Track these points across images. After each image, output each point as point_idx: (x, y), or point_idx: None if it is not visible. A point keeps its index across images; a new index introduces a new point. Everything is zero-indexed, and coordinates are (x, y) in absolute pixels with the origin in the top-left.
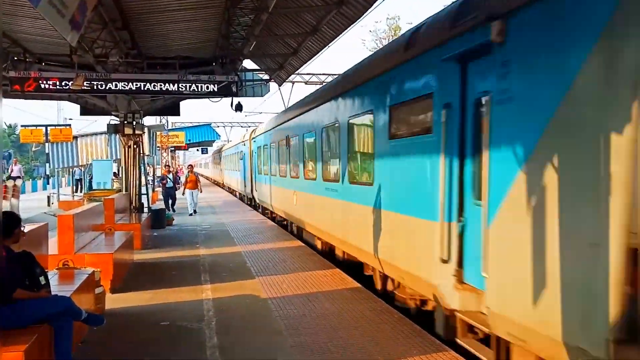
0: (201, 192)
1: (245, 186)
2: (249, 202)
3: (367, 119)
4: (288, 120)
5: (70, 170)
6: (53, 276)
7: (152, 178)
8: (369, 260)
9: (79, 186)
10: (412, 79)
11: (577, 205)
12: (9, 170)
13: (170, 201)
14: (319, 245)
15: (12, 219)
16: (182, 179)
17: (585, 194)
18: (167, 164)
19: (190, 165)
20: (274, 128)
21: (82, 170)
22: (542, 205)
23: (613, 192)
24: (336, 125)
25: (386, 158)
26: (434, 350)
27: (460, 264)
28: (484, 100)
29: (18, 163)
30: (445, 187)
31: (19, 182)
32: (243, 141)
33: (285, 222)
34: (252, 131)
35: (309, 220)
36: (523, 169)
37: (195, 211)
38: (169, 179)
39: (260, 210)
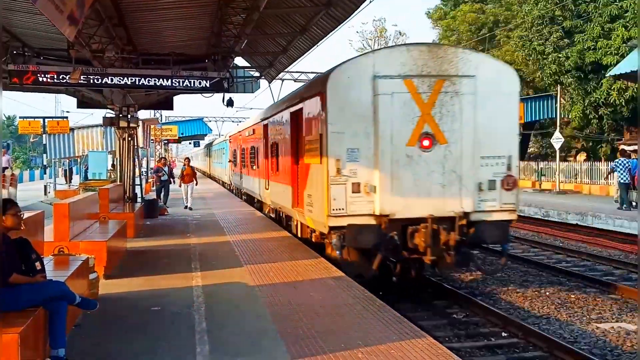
0: (197, 184)
1: (225, 174)
2: (233, 191)
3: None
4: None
5: (60, 161)
6: (48, 262)
7: (145, 169)
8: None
9: (67, 176)
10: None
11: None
12: None
13: (163, 194)
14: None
15: (5, 205)
16: (176, 172)
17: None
18: (162, 156)
19: (187, 158)
20: (233, 136)
21: (70, 161)
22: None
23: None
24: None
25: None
26: (412, 336)
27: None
28: None
29: (6, 154)
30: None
31: (17, 171)
32: (224, 140)
33: (274, 215)
34: (227, 133)
35: (246, 189)
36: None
37: (190, 208)
38: (164, 171)
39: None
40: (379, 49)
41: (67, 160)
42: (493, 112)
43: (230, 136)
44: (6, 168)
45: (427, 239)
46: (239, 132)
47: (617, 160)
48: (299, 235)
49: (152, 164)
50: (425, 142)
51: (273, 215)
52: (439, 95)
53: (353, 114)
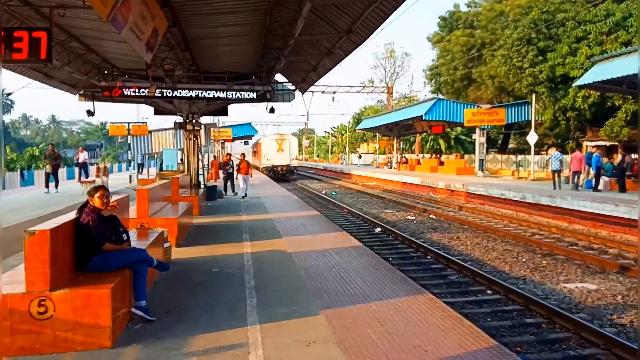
0: (252, 176)
1: (259, 163)
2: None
3: (255, 148)
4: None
5: (135, 157)
6: (133, 234)
7: (206, 163)
8: None
9: (140, 169)
10: (255, 147)
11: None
12: (76, 158)
13: (229, 183)
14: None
15: (95, 188)
16: (232, 164)
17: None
18: (228, 152)
19: (242, 153)
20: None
21: (143, 157)
22: None
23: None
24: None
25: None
26: (415, 292)
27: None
28: None
29: (84, 151)
30: None
31: (108, 164)
32: (253, 146)
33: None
34: (252, 143)
35: (256, 164)
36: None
37: (245, 194)
38: (231, 165)
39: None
40: (269, 136)
41: (141, 156)
42: (291, 147)
43: (252, 145)
44: (84, 163)
45: (280, 170)
46: (253, 145)
47: (552, 153)
48: (260, 168)
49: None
50: (279, 151)
51: (265, 172)
52: (282, 143)
53: (266, 147)
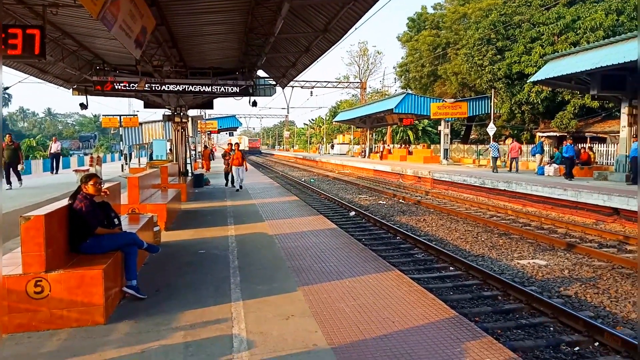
0: (247, 169)
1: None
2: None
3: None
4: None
5: (124, 147)
6: (124, 219)
7: (194, 152)
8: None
9: (126, 159)
10: None
11: None
12: (49, 148)
13: (230, 176)
14: None
15: (87, 176)
16: (217, 155)
17: None
18: (229, 142)
19: (236, 143)
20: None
21: (130, 147)
22: None
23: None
24: None
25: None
26: (384, 270)
27: None
28: None
29: (57, 141)
30: None
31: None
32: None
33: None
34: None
35: None
36: None
37: (241, 187)
38: (230, 156)
39: None
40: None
41: (128, 147)
42: (245, 142)
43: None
44: (57, 153)
45: None
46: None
47: (491, 143)
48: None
49: (199, 149)
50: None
51: None
52: (241, 139)
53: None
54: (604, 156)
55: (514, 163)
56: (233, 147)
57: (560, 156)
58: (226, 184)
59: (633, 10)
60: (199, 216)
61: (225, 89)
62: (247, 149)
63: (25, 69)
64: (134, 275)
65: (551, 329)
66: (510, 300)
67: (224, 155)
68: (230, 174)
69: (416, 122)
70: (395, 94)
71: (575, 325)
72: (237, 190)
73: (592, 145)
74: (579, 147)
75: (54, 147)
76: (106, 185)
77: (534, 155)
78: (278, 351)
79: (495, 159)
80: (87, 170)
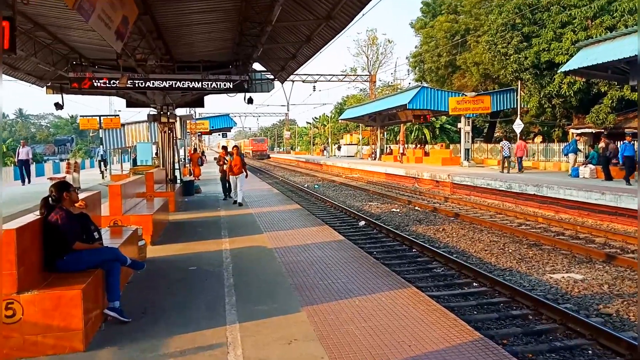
0: (247, 177)
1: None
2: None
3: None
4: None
5: (105, 151)
6: (105, 232)
7: (183, 157)
8: None
9: (102, 166)
10: None
11: None
12: (17, 154)
13: (227, 185)
14: None
15: (60, 186)
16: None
17: None
18: (224, 145)
19: (235, 146)
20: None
21: (105, 152)
22: None
23: None
24: None
25: None
26: (399, 286)
27: None
28: None
29: (26, 145)
30: None
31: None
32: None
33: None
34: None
35: None
36: None
37: (241, 204)
38: (226, 161)
39: None
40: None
41: (102, 151)
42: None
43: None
44: (26, 160)
45: None
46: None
47: (502, 142)
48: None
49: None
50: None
51: None
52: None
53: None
54: None
55: (516, 162)
56: (230, 151)
57: (596, 155)
58: (224, 198)
59: None
60: (189, 228)
61: (217, 84)
62: (250, 152)
63: None
64: (117, 295)
65: (589, 352)
66: (543, 320)
67: (217, 161)
68: (227, 182)
69: (433, 119)
70: (409, 88)
71: (617, 347)
72: (237, 203)
73: (633, 143)
74: (615, 145)
75: (23, 152)
76: (84, 194)
77: (566, 154)
78: None
79: (506, 158)
80: (64, 177)
